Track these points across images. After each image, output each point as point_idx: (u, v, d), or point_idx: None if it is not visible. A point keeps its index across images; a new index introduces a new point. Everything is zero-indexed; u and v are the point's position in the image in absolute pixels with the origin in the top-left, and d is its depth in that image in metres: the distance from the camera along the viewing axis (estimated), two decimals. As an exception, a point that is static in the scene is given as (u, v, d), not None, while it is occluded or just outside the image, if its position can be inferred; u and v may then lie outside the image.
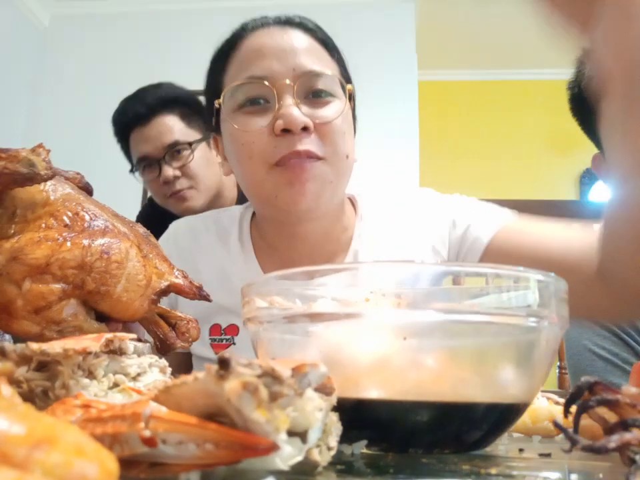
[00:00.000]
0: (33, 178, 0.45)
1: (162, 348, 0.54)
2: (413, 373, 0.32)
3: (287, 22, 0.79)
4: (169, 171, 1.36)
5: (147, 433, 0.20)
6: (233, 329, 0.83)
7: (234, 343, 0.82)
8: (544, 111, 3.81)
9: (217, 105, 0.78)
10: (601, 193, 3.68)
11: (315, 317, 0.33)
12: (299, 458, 0.23)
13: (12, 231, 0.47)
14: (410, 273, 0.36)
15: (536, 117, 3.80)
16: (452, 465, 0.29)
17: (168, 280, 0.53)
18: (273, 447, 0.21)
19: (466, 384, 0.32)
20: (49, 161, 0.46)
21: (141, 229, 0.57)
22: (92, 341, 0.32)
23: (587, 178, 3.77)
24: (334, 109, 0.75)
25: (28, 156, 0.45)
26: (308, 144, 0.72)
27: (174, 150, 1.38)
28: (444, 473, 0.28)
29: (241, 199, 1.42)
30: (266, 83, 0.73)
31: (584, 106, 0.97)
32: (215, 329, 0.84)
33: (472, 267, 0.35)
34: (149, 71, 3.07)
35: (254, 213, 0.90)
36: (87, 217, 0.50)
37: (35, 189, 0.49)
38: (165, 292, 0.52)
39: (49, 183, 0.50)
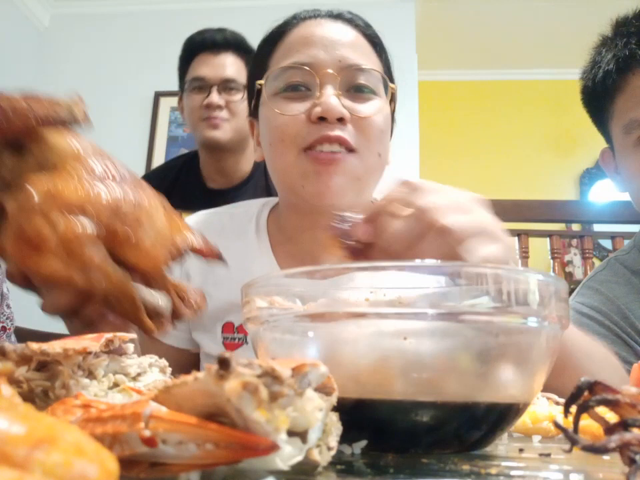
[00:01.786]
0: (70, 122, 0.45)
1: (172, 317, 0.53)
2: (413, 373, 0.32)
3: (338, 16, 0.80)
4: (216, 97, 1.43)
5: (147, 433, 0.20)
6: None
7: (246, 342, 0.81)
8: (544, 111, 3.81)
9: (258, 86, 0.79)
10: (601, 193, 3.69)
11: (315, 317, 0.33)
12: (299, 458, 0.23)
13: (44, 177, 0.46)
14: (412, 273, 0.36)
15: (536, 117, 3.80)
16: (452, 465, 0.29)
17: (187, 236, 0.52)
18: (273, 447, 0.21)
19: (466, 384, 0.32)
20: (85, 111, 0.46)
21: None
22: (92, 341, 0.32)
23: (586, 178, 3.77)
24: (374, 106, 0.75)
25: (68, 102, 0.45)
26: (341, 132, 0.72)
27: (229, 84, 1.45)
28: (444, 473, 0.28)
29: (249, 177, 1.48)
30: (310, 70, 0.74)
31: (596, 99, 0.97)
32: (227, 326, 0.83)
33: (472, 266, 0.35)
34: (149, 71, 3.07)
35: (272, 210, 0.90)
36: (117, 172, 0.50)
37: (65, 144, 0.49)
38: (183, 248, 0.52)
39: (76, 140, 0.50)
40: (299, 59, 0.75)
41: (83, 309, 0.46)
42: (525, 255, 1.46)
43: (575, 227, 3.01)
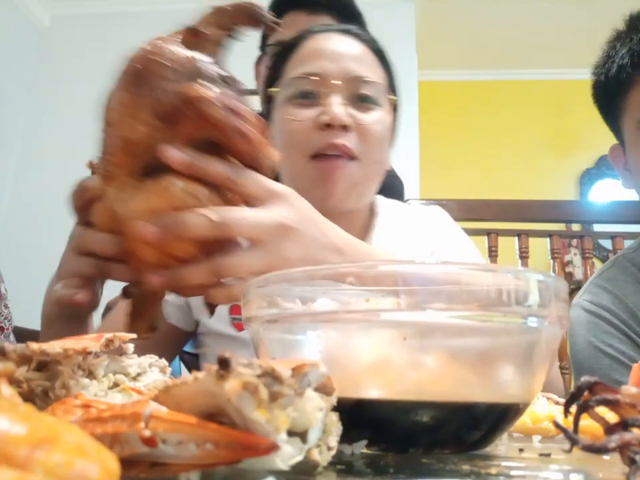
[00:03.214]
0: None
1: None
2: (413, 373, 0.32)
3: (346, 31, 0.88)
4: None
5: (147, 433, 0.20)
6: None
7: None
8: (544, 111, 3.82)
9: (271, 93, 0.86)
10: (601, 193, 3.69)
11: (314, 317, 0.33)
12: (299, 458, 0.23)
13: None
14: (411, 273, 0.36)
15: (536, 117, 3.80)
16: (452, 465, 0.29)
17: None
18: (273, 447, 0.21)
19: (466, 384, 0.32)
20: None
21: None
22: (92, 341, 0.32)
23: (586, 178, 3.77)
24: (376, 116, 0.82)
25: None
26: (345, 140, 0.78)
27: None
28: (444, 473, 0.28)
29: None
30: (318, 79, 0.80)
31: (609, 94, 0.96)
32: (235, 308, 0.87)
33: (472, 266, 0.35)
34: (149, 70, 3.06)
35: None
36: None
37: None
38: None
39: None
40: (309, 70, 0.82)
41: None
42: (524, 255, 1.46)
43: (575, 227, 3.01)
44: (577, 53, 3.14)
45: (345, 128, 0.78)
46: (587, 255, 1.48)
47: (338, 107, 0.78)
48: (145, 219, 0.47)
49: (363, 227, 0.89)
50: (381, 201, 0.96)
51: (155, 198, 0.47)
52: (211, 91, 0.47)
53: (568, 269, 3.55)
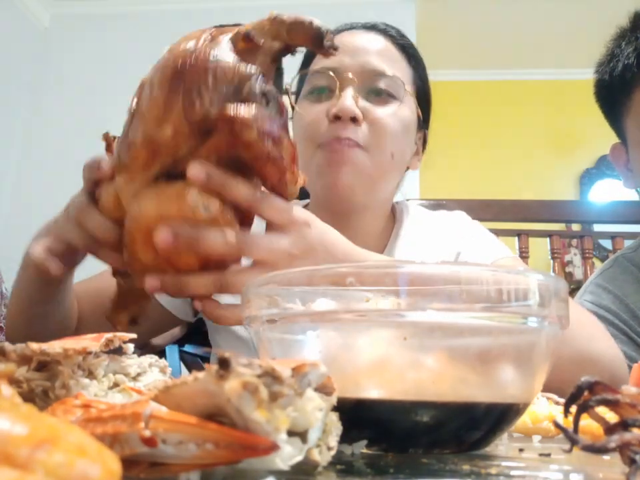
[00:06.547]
0: None
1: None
2: (413, 373, 0.32)
3: (372, 27, 0.88)
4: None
5: (147, 433, 0.20)
6: None
7: None
8: (544, 111, 3.81)
9: (287, 88, 0.87)
10: (601, 193, 3.69)
11: (315, 317, 0.33)
12: (299, 458, 0.23)
13: None
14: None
15: (536, 117, 3.80)
16: (452, 465, 0.29)
17: None
18: (273, 447, 0.21)
19: (466, 384, 0.32)
20: None
21: None
22: (92, 341, 0.32)
23: (586, 178, 3.77)
24: (390, 109, 0.81)
25: None
26: (352, 133, 0.78)
27: None
28: (444, 473, 0.28)
29: None
30: (332, 74, 0.80)
31: (612, 93, 0.96)
32: None
33: (472, 266, 0.35)
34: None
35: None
36: None
37: None
38: None
39: None
40: (326, 64, 0.82)
41: None
42: (524, 255, 1.46)
43: (575, 227, 3.01)
44: (577, 53, 3.14)
45: (354, 120, 0.77)
46: (587, 255, 1.48)
47: (348, 99, 0.78)
48: (151, 221, 0.45)
49: (383, 230, 0.89)
50: (406, 206, 0.95)
51: (165, 202, 0.45)
52: (249, 113, 0.45)
53: (568, 269, 3.55)
